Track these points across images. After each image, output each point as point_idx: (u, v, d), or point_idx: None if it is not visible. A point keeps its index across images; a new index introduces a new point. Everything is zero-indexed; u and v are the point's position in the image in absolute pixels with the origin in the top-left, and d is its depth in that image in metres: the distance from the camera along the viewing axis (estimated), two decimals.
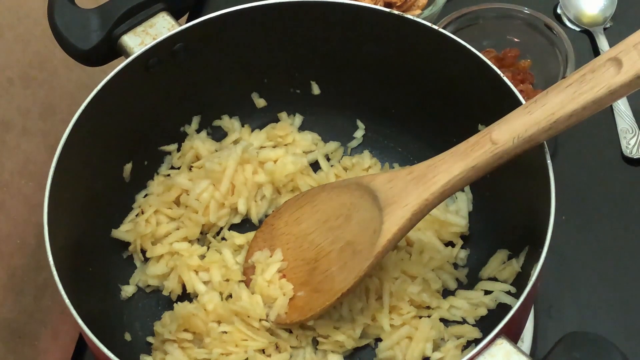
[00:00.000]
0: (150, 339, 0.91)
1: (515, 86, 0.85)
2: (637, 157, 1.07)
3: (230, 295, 0.91)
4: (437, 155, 0.80)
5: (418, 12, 1.14)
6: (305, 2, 0.94)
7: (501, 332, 0.72)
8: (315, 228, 0.89)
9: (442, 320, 0.90)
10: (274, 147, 1.02)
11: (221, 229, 0.98)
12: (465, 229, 0.96)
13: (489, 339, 0.72)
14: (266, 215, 0.98)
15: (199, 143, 1.00)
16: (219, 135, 1.04)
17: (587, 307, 0.98)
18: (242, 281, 0.92)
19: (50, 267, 0.78)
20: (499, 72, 0.86)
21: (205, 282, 0.93)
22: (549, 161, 0.79)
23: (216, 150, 1.01)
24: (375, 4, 1.11)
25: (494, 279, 0.91)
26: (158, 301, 0.95)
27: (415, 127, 1.00)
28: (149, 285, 0.95)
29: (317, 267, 0.88)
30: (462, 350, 0.88)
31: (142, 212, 0.96)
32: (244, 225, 0.99)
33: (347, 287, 0.84)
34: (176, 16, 0.96)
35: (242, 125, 1.04)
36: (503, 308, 0.89)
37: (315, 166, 1.02)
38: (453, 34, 0.90)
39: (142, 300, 0.95)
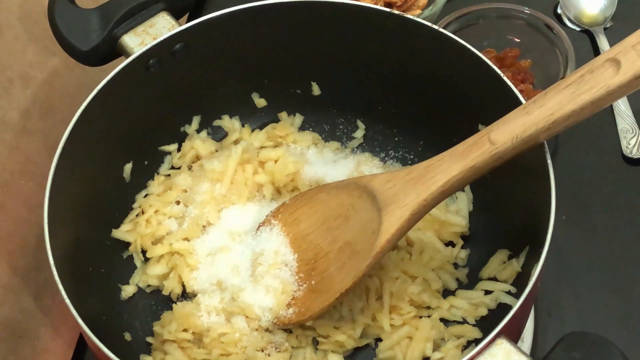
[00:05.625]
0: (150, 339, 0.92)
1: (516, 86, 0.85)
2: (637, 157, 1.07)
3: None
4: (436, 156, 0.80)
5: (418, 12, 1.14)
6: (305, 2, 0.94)
7: (501, 332, 0.72)
8: (314, 228, 0.89)
9: (442, 320, 0.91)
10: (275, 147, 1.02)
11: None
12: (466, 229, 0.96)
13: (489, 339, 0.72)
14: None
15: (199, 143, 1.00)
16: (219, 135, 1.04)
17: (587, 307, 0.98)
18: None
19: (50, 267, 0.78)
20: (499, 72, 0.86)
21: None
22: (549, 161, 0.79)
23: (216, 150, 1.01)
24: (375, 4, 1.11)
25: (494, 279, 0.91)
26: (158, 301, 0.95)
27: (415, 127, 1.00)
28: (149, 285, 0.95)
29: (316, 267, 0.88)
30: (462, 350, 0.88)
31: (143, 212, 0.96)
32: None
33: (345, 287, 0.84)
34: (176, 16, 0.96)
35: (243, 125, 1.04)
36: (503, 308, 0.89)
37: None
38: (453, 34, 0.90)
39: (142, 300, 0.95)
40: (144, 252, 0.96)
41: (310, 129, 1.05)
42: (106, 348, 0.74)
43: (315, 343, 0.91)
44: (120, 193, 0.97)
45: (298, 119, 1.04)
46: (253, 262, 0.92)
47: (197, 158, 1.01)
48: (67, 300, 0.77)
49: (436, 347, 0.88)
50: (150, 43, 0.91)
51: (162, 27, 0.94)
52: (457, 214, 0.96)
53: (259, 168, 0.99)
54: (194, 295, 0.93)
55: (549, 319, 0.97)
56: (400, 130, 1.03)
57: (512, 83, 0.85)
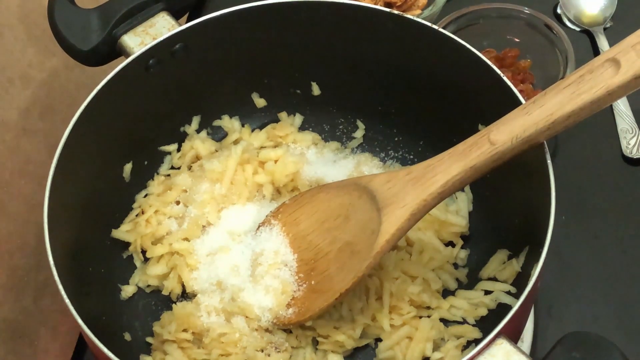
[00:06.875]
0: (150, 339, 0.92)
1: (515, 86, 0.85)
2: (637, 157, 1.07)
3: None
4: (436, 156, 0.80)
5: (418, 12, 1.14)
6: (306, 2, 0.94)
7: (501, 332, 0.72)
8: (314, 229, 0.89)
9: (442, 320, 0.91)
10: (275, 147, 1.02)
11: None
12: (466, 229, 0.96)
13: (489, 339, 0.72)
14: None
15: (199, 143, 1.00)
16: (219, 135, 1.04)
17: (587, 307, 0.98)
18: None
19: (50, 267, 0.78)
20: (499, 72, 0.86)
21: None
22: (549, 161, 0.79)
23: (216, 150, 1.01)
24: (375, 4, 1.11)
25: (494, 279, 0.91)
26: (158, 301, 0.95)
27: (415, 127, 1.00)
28: (149, 285, 0.95)
29: (316, 267, 0.88)
30: (462, 350, 0.88)
31: (143, 212, 0.96)
32: None
33: (345, 287, 0.84)
34: (176, 16, 0.96)
35: (242, 125, 1.04)
36: (503, 308, 0.89)
37: None
38: (453, 34, 0.90)
39: (142, 300, 0.95)
40: (144, 252, 0.96)
41: (310, 129, 1.05)
42: (106, 348, 0.74)
43: (315, 343, 0.91)
44: (120, 193, 0.97)
45: (298, 119, 1.05)
46: (253, 262, 0.92)
47: (197, 158, 1.01)
48: (67, 300, 0.77)
49: (436, 347, 0.88)
50: (150, 43, 0.91)
51: (161, 27, 0.94)
52: (457, 214, 0.96)
53: (259, 168, 0.99)
54: (194, 295, 0.93)
55: (549, 319, 0.97)
56: (400, 130, 1.03)
57: (512, 83, 0.85)
